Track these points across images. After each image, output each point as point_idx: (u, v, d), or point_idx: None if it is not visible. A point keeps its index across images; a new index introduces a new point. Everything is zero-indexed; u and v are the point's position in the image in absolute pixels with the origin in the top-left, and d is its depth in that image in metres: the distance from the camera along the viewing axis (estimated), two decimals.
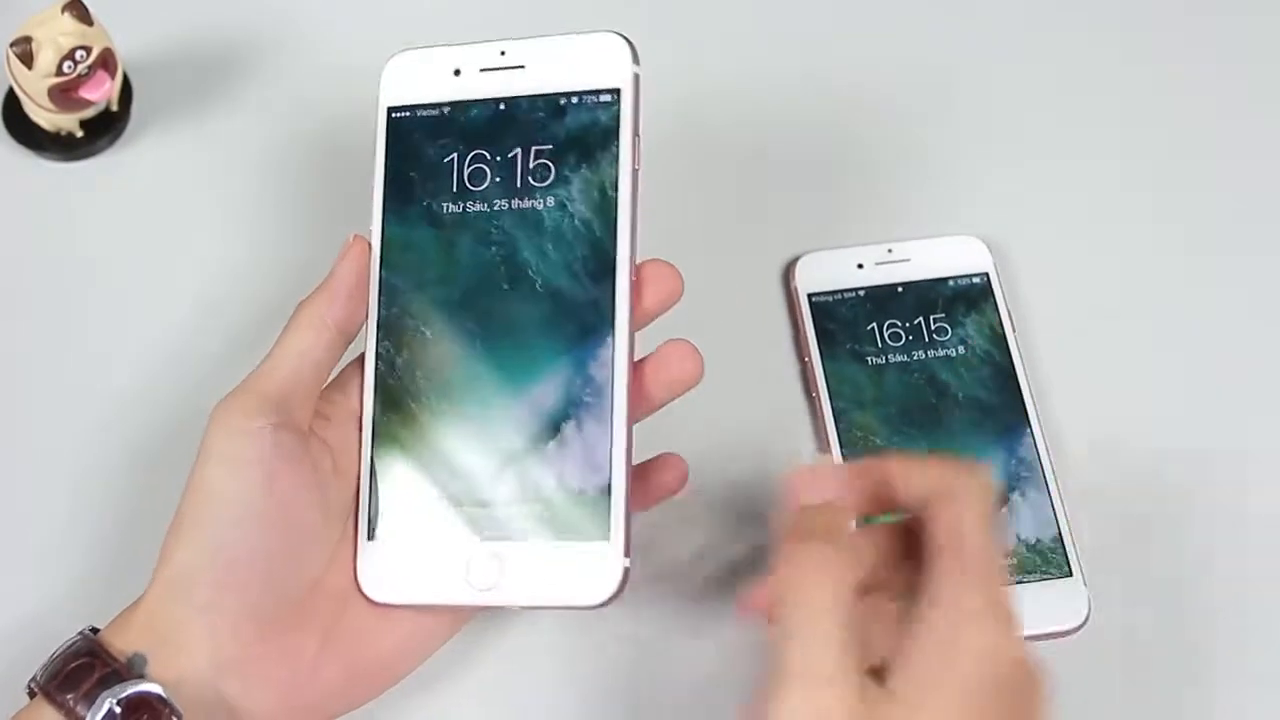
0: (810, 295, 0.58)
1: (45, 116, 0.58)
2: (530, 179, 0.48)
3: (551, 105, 0.49)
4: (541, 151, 0.48)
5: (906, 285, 0.58)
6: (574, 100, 0.48)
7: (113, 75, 0.57)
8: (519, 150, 0.49)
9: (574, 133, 0.48)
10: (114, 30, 0.57)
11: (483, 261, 0.48)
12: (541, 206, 0.48)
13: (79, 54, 0.55)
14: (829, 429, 0.56)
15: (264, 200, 0.60)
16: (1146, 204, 0.62)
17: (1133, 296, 0.60)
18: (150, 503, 0.54)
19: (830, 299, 0.58)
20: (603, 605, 0.45)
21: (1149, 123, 0.63)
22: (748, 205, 0.61)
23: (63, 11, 0.55)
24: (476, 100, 0.49)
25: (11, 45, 0.55)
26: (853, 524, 0.45)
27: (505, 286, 0.48)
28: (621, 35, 0.48)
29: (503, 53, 0.49)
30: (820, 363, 0.57)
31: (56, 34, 0.55)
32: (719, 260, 0.58)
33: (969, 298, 0.58)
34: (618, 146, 0.48)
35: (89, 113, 0.58)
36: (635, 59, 0.48)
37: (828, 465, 0.46)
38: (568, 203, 0.48)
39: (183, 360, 0.57)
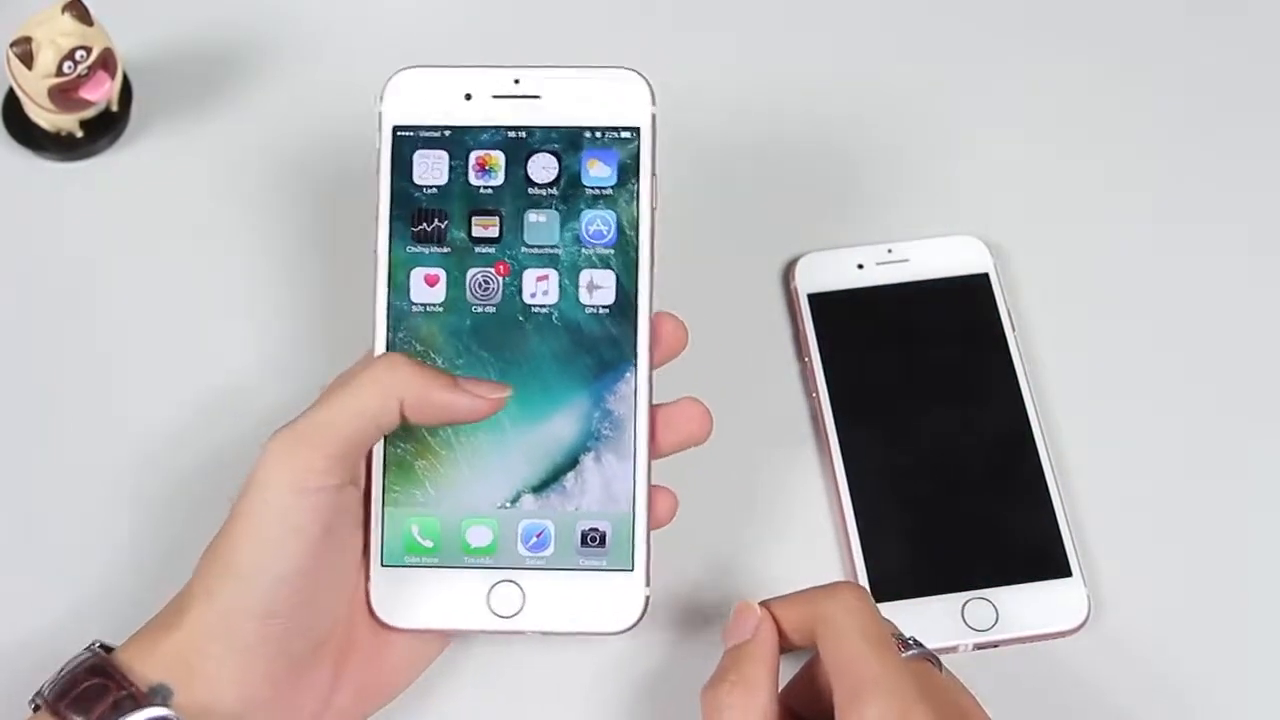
0: (810, 295, 0.58)
1: (45, 116, 0.58)
2: (546, 210, 0.48)
3: (569, 138, 0.48)
4: (557, 184, 0.48)
5: (906, 285, 0.58)
6: (593, 135, 0.48)
7: (113, 75, 0.57)
8: (534, 181, 0.48)
9: (592, 168, 0.48)
10: (114, 30, 0.57)
11: (495, 291, 0.48)
12: (558, 239, 0.48)
13: (79, 54, 0.55)
14: (829, 430, 0.56)
15: (264, 201, 0.60)
16: (1146, 204, 0.62)
17: (1133, 296, 0.60)
18: (151, 508, 0.54)
19: (830, 299, 0.58)
20: (624, 631, 0.47)
21: (1149, 122, 0.63)
22: (748, 205, 0.61)
23: (63, 11, 0.55)
24: (490, 126, 0.49)
25: (11, 45, 0.55)
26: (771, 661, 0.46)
27: (520, 318, 0.48)
28: (640, 74, 0.49)
29: (517, 80, 0.49)
30: (820, 363, 0.57)
31: (56, 34, 0.55)
32: (719, 260, 0.58)
33: (969, 297, 0.58)
34: (637, 185, 0.48)
35: (89, 113, 0.58)
36: (654, 99, 0.48)
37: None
38: (584, 237, 0.48)
39: (182, 361, 0.57)
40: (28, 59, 0.55)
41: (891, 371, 0.57)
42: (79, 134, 0.59)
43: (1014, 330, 0.57)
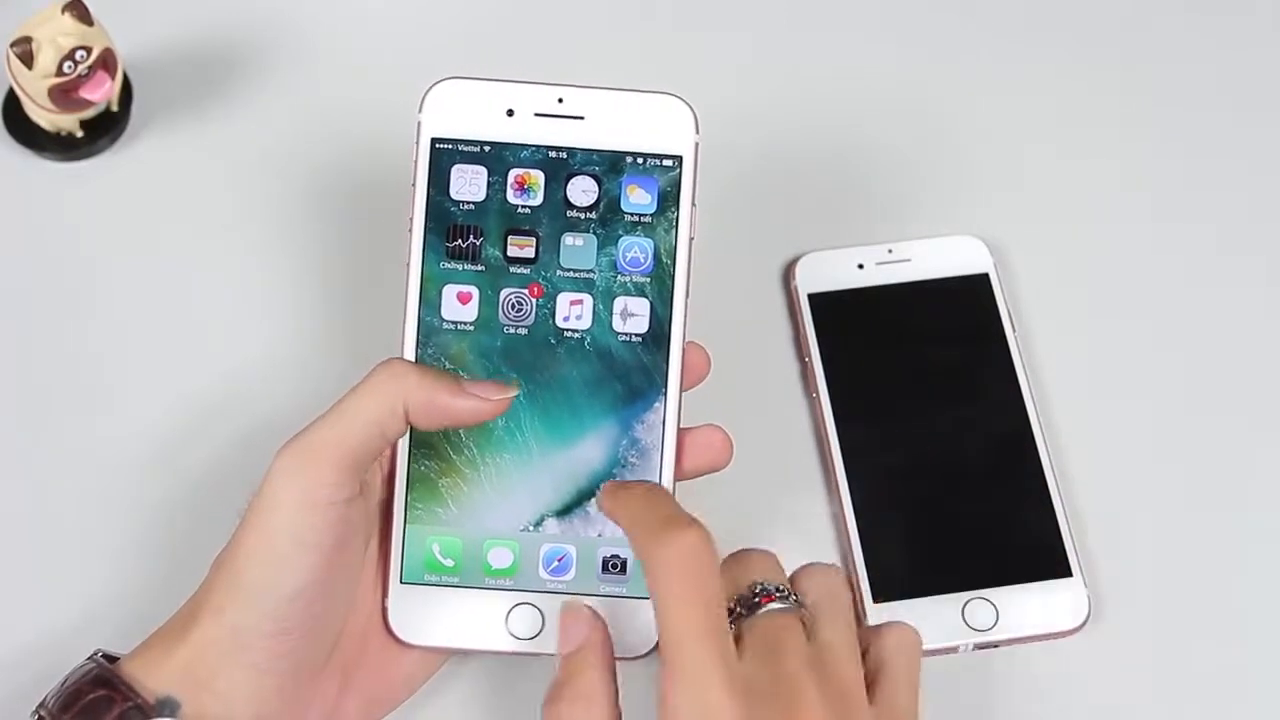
0: (810, 295, 0.58)
1: (45, 116, 0.58)
2: (584, 234, 0.48)
3: (610, 162, 0.48)
4: (596, 208, 0.48)
5: (907, 285, 0.58)
6: (635, 161, 0.48)
7: (113, 75, 0.57)
8: (573, 203, 0.48)
9: (632, 194, 0.48)
10: (114, 30, 0.57)
11: (528, 312, 0.48)
12: (594, 264, 0.48)
13: (79, 54, 0.55)
14: (829, 429, 0.56)
15: (264, 201, 0.59)
16: (1146, 204, 0.62)
17: (1133, 296, 0.60)
18: (151, 513, 0.54)
19: (830, 299, 0.58)
20: (640, 658, 0.47)
21: (1148, 123, 0.63)
22: (748, 205, 0.61)
23: (63, 11, 0.55)
24: (532, 145, 0.48)
25: (11, 45, 0.55)
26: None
27: (551, 341, 0.48)
28: (685, 101, 0.48)
29: (560, 100, 0.48)
30: (820, 363, 0.57)
31: (56, 34, 0.55)
32: (719, 260, 0.58)
33: (969, 297, 0.58)
34: (677, 214, 0.48)
35: (89, 113, 0.58)
36: (697, 127, 0.48)
37: None
38: (621, 264, 0.48)
39: (182, 361, 0.56)
40: (28, 59, 0.55)
41: (891, 371, 0.57)
42: (79, 134, 0.59)
43: (1014, 330, 0.57)
